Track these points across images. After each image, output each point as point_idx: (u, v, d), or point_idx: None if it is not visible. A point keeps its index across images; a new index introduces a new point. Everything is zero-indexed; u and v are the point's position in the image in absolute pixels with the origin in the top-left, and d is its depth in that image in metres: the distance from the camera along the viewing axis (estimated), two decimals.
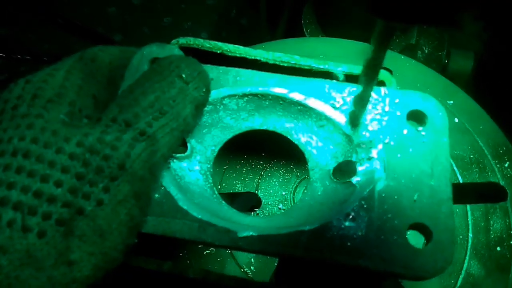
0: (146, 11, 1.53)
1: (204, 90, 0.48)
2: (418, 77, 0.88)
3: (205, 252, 0.73)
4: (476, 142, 0.81)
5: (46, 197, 0.37)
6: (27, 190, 0.37)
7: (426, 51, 1.10)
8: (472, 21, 1.47)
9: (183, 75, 0.46)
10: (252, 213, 0.76)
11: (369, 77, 0.47)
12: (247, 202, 0.77)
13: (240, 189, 0.79)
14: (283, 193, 0.79)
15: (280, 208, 0.78)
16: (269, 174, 0.80)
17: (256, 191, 0.79)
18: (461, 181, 0.78)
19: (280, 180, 0.80)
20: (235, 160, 0.81)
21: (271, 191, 0.79)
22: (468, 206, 0.76)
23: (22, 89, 0.44)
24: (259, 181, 0.80)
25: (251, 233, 0.45)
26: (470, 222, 0.75)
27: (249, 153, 0.81)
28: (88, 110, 0.46)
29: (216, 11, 1.42)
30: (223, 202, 0.52)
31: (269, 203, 0.78)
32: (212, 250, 0.73)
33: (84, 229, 0.37)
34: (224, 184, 0.79)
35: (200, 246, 0.73)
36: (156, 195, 0.47)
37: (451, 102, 0.86)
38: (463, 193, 0.77)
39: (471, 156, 0.80)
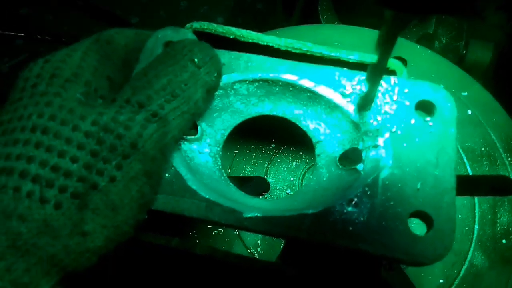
0: None
1: (215, 74, 0.49)
2: (433, 68, 0.88)
3: (213, 233, 0.75)
4: (488, 135, 0.81)
5: (62, 171, 0.39)
6: (45, 165, 0.39)
7: (444, 41, 1.09)
8: (494, 12, 1.44)
9: (196, 60, 0.47)
10: (261, 197, 0.78)
11: (382, 55, 0.46)
12: (256, 186, 0.79)
13: (249, 173, 0.81)
14: (292, 178, 0.80)
15: (288, 193, 0.79)
16: (279, 160, 0.82)
17: (265, 176, 0.80)
18: (470, 173, 0.78)
19: (289, 166, 0.82)
20: (245, 145, 0.82)
21: (280, 177, 0.81)
22: (476, 199, 0.76)
23: (41, 68, 0.46)
24: (269, 166, 0.81)
25: (256, 214, 0.46)
26: (477, 214, 0.75)
27: (260, 139, 0.82)
28: (103, 91, 0.48)
29: None
30: (231, 184, 0.53)
31: (278, 188, 0.80)
32: (220, 230, 0.75)
33: (98, 203, 0.39)
34: (234, 168, 0.81)
35: (209, 226, 0.75)
36: (167, 175, 0.49)
37: (465, 93, 0.85)
38: (471, 185, 0.77)
39: (482, 149, 0.80)
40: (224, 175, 0.54)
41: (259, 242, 0.76)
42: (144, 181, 0.42)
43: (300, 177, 0.81)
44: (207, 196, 0.47)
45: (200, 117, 0.53)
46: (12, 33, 1.31)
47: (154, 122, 0.43)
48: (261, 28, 0.78)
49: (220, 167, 0.54)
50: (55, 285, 0.38)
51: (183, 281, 0.49)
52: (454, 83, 0.86)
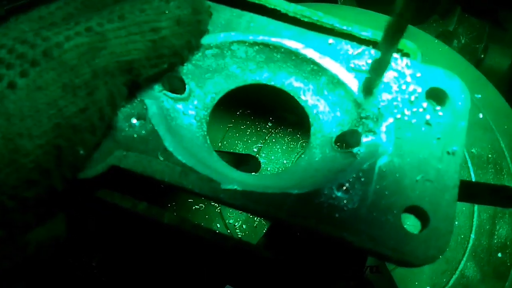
0: None
1: (190, 10, 0.44)
2: (448, 64, 0.82)
3: (194, 207, 0.71)
4: (497, 141, 0.76)
5: None
6: None
7: (463, 41, 1.03)
8: None
9: None
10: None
11: (389, 42, 0.42)
12: (246, 164, 0.74)
13: (241, 150, 0.76)
14: (285, 161, 0.76)
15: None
16: (273, 140, 0.77)
17: (257, 155, 0.75)
18: (474, 179, 0.73)
19: (284, 147, 0.77)
20: (240, 119, 0.77)
21: (273, 158, 0.76)
22: (476, 207, 0.72)
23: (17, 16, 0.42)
24: (262, 145, 0.77)
25: (235, 187, 0.42)
26: (474, 223, 0.71)
27: (256, 115, 0.77)
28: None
29: None
30: (214, 153, 0.49)
31: (268, 169, 0.75)
32: (201, 205, 0.71)
33: None
34: (225, 142, 0.76)
35: (189, 200, 0.71)
36: (143, 132, 0.44)
37: (479, 96, 0.80)
38: (473, 192, 0.73)
39: (489, 156, 0.75)
40: (208, 142, 0.49)
41: (241, 223, 0.71)
42: (60, 94, 0.37)
43: (294, 161, 0.76)
44: (183, 161, 0.43)
45: (178, 59, 0.47)
46: None
47: (86, 36, 0.39)
48: None
49: (205, 133, 0.50)
50: None
51: (145, 250, 0.45)
52: (469, 83, 0.80)
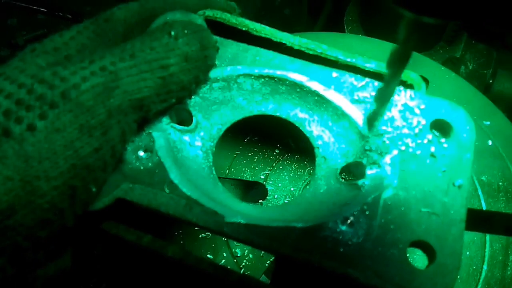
0: None
1: (198, 46, 0.45)
2: (456, 91, 0.83)
3: (200, 236, 0.71)
4: (507, 169, 0.75)
5: None
6: None
7: (471, 67, 1.03)
8: None
9: (173, 32, 0.44)
10: (257, 203, 0.73)
11: (393, 74, 0.43)
12: (253, 192, 0.74)
13: (248, 177, 0.76)
14: (292, 188, 0.76)
15: (285, 203, 0.74)
16: (281, 167, 0.77)
17: (264, 182, 0.76)
18: (484, 208, 0.72)
19: (291, 174, 0.77)
20: (248, 146, 0.78)
21: (280, 185, 0.76)
22: (488, 236, 0.70)
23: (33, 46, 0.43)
24: (270, 172, 0.77)
25: (239, 220, 0.42)
26: (487, 253, 0.69)
27: (264, 142, 0.78)
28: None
29: None
30: (220, 184, 0.49)
31: (276, 197, 0.75)
32: (208, 234, 0.71)
33: (6, 151, 0.35)
34: (232, 170, 0.77)
35: (196, 228, 0.71)
36: (149, 164, 0.45)
37: (488, 123, 0.80)
38: (484, 221, 0.71)
39: (500, 184, 0.74)
40: (214, 173, 0.50)
41: (247, 252, 0.71)
42: (77, 136, 0.38)
43: (301, 188, 0.76)
44: (188, 193, 0.43)
45: (186, 93, 0.48)
46: (35, 7, 1.30)
47: (101, 76, 0.39)
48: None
49: (211, 164, 0.50)
50: None
51: (150, 281, 0.45)
52: (477, 110, 0.81)
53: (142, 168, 0.45)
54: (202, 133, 0.51)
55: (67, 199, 0.38)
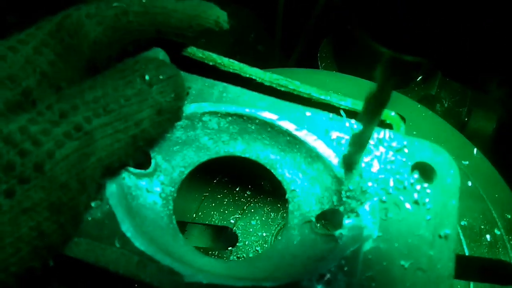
0: None
1: (172, 96, 0.41)
2: (433, 130, 0.80)
3: None
4: (489, 211, 0.72)
5: None
6: None
7: (446, 105, 1.02)
8: (497, 87, 1.41)
9: (147, 77, 0.39)
10: (225, 251, 0.67)
11: (370, 116, 0.39)
12: (221, 238, 0.68)
13: (217, 221, 0.71)
14: (264, 234, 0.70)
15: (257, 251, 0.68)
16: (252, 210, 0.72)
17: (234, 228, 0.70)
18: (467, 253, 0.68)
19: (263, 219, 0.72)
20: (217, 188, 0.73)
21: (251, 230, 0.70)
22: (472, 284, 0.66)
23: None
24: (240, 216, 0.71)
25: (200, 280, 0.36)
26: None
27: (234, 183, 0.73)
28: (46, 102, 0.38)
29: (233, 33, 1.37)
30: (180, 235, 0.44)
31: (246, 243, 0.69)
32: None
33: None
34: (200, 213, 0.71)
35: None
36: (98, 214, 0.39)
37: (467, 162, 0.77)
38: (467, 268, 0.67)
39: (482, 227, 0.70)
40: (174, 222, 0.44)
41: None
42: (46, 216, 0.32)
43: (274, 234, 0.70)
44: (142, 248, 0.38)
45: (151, 146, 0.44)
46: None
47: (76, 138, 0.34)
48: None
49: (171, 212, 0.45)
50: None
51: None
52: (455, 149, 0.78)
53: (89, 218, 0.39)
54: (162, 177, 0.46)
55: (22, 282, 0.33)
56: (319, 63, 1.08)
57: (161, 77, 0.40)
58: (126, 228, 0.38)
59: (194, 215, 0.70)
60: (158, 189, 0.45)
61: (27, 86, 0.38)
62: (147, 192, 0.44)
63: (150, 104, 0.39)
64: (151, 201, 0.44)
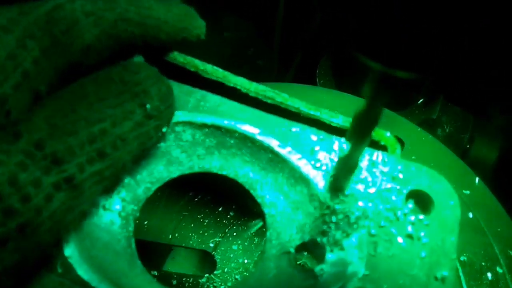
0: None
1: (164, 130, 0.37)
2: (433, 155, 0.75)
3: None
4: (490, 247, 0.66)
5: None
6: None
7: (447, 130, 0.98)
8: (499, 114, 1.37)
9: (148, 106, 0.35)
10: (201, 278, 0.61)
11: (360, 135, 0.34)
12: (198, 263, 0.62)
13: (195, 244, 0.65)
14: (246, 261, 0.64)
15: (236, 279, 0.62)
16: (234, 234, 0.66)
17: (213, 252, 0.64)
18: None
19: (246, 244, 0.66)
20: (197, 208, 0.67)
21: (231, 256, 0.64)
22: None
23: None
24: (221, 239, 0.66)
25: None
26: None
27: (216, 203, 0.67)
28: (20, 114, 0.32)
29: (231, 46, 1.34)
30: (139, 262, 0.38)
31: (225, 271, 0.63)
32: None
33: None
34: (176, 235, 0.65)
35: None
36: None
37: (468, 192, 0.72)
38: None
39: (483, 264, 0.65)
40: (133, 246, 0.39)
41: None
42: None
43: (257, 261, 0.65)
44: (86, 277, 0.32)
45: (122, 172, 0.39)
46: None
47: (64, 190, 0.30)
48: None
49: (130, 234, 0.39)
50: None
51: None
52: (456, 178, 0.73)
53: None
54: (123, 194, 0.40)
55: None
56: (317, 80, 1.04)
57: (161, 107, 0.36)
58: (71, 252, 0.33)
59: (170, 237, 0.64)
60: (118, 206, 0.40)
61: (3, 92, 0.31)
62: (104, 210, 0.38)
63: (142, 141, 0.35)
64: (108, 220, 0.38)
